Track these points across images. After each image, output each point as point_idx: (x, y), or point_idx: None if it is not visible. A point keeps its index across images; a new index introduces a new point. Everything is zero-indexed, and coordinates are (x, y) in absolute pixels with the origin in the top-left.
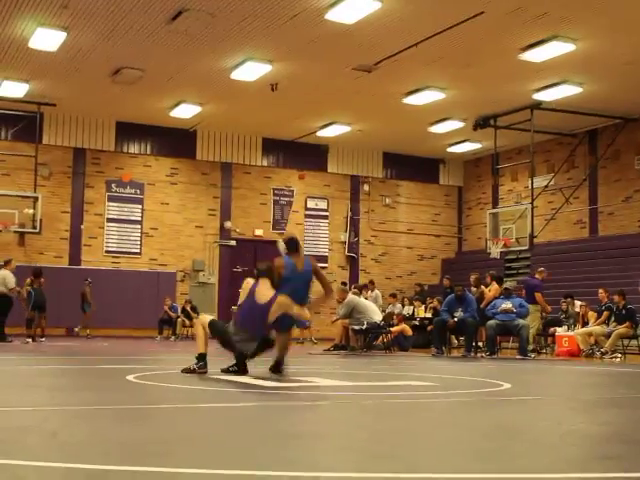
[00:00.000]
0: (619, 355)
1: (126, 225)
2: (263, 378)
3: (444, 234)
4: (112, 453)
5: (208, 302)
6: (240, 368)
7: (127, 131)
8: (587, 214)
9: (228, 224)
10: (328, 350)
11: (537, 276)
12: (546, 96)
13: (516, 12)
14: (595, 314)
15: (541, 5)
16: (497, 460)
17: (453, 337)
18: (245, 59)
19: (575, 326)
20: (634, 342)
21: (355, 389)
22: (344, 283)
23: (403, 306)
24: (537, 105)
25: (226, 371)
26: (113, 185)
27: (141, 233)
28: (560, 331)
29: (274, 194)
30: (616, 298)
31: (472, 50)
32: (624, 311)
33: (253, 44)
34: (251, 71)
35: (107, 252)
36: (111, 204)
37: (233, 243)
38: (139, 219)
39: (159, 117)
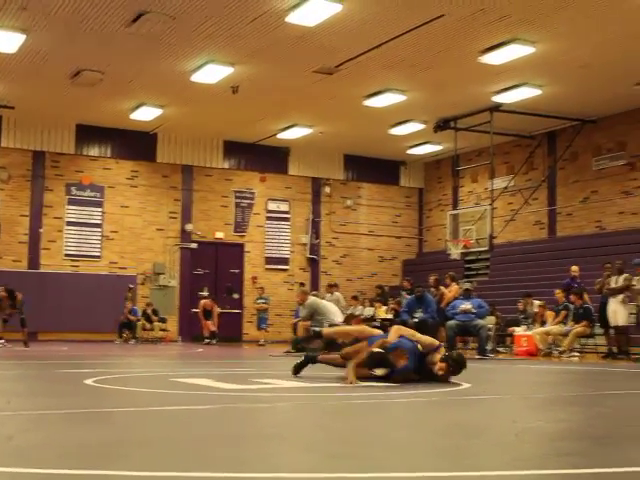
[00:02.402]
0: (577, 354)
1: (86, 228)
2: (231, 382)
3: (405, 235)
4: (67, 457)
5: (169, 305)
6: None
7: (87, 134)
8: (546, 215)
9: (189, 227)
10: (289, 352)
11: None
12: (505, 98)
13: (476, 15)
14: (553, 314)
15: (500, 8)
16: (453, 458)
17: None
18: (206, 62)
19: (533, 326)
20: (591, 341)
21: (315, 390)
22: (302, 284)
23: (364, 307)
24: (497, 107)
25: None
26: (73, 188)
27: (101, 236)
28: (519, 331)
29: (235, 196)
30: (572, 298)
31: (432, 53)
32: (581, 310)
33: (214, 47)
34: (212, 74)
35: (66, 256)
36: (71, 207)
37: (194, 246)
38: (99, 222)
39: (119, 120)
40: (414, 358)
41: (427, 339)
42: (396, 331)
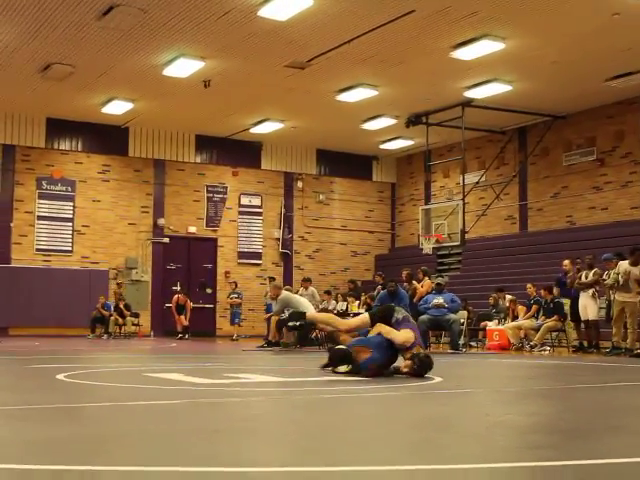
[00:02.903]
0: (548, 348)
1: (57, 223)
2: (204, 376)
3: (377, 230)
4: (36, 452)
5: (141, 300)
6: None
7: (58, 128)
8: (517, 210)
9: (161, 221)
10: (261, 347)
11: None
12: (477, 94)
13: (446, 11)
14: (525, 308)
15: (471, 4)
16: (425, 452)
17: None
18: (178, 55)
19: (505, 320)
20: (562, 335)
21: (287, 385)
22: (272, 278)
23: (337, 302)
24: (468, 103)
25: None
26: (44, 182)
27: (72, 231)
28: (491, 325)
29: (207, 191)
30: (542, 293)
31: (404, 48)
32: (552, 305)
33: (185, 40)
34: (184, 67)
35: (38, 250)
36: (42, 202)
37: (166, 240)
38: (70, 217)
39: (90, 113)
40: (384, 352)
41: (400, 338)
42: (377, 328)
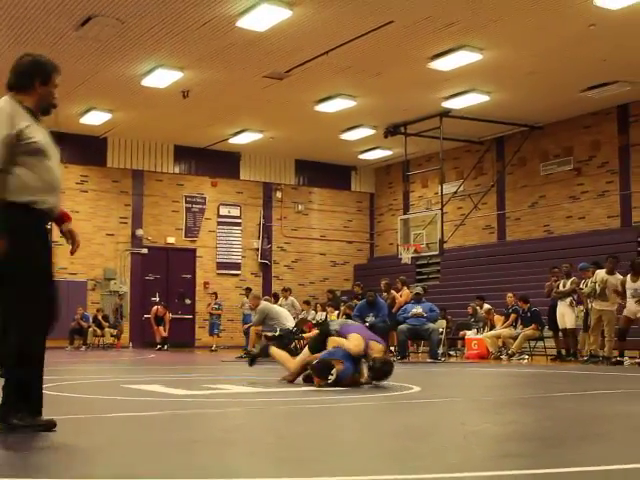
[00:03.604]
0: (526, 357)
1: None
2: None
3: (356, 240)
4: (12, 465)
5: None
6: None
7: None
8: (495, 219)
9: (140, 232)
10: (240, 357)
11: None
12: (455, 104)
13: (424, 22)
14: (502, 318)
15: (449, 15)
16: (401, 461)
17: None
18: (156, 66)
19: (484, 329)
20: (540, 344)
21: (266, 395)
22: (248, 289)
23: (316, 312)
24: (446, 113)
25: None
26: None
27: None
28: (469, 334)
29: (186, 201)
30: (520, 303)
31: (382, 58)
32: (529, 314)
33: (164, 51)
34: (162, 78)
35: None
36: None
37: (145, 251)
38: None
39: (68, 124)
40: (352, 361)
41: (352, 347)
42: (331, 342)
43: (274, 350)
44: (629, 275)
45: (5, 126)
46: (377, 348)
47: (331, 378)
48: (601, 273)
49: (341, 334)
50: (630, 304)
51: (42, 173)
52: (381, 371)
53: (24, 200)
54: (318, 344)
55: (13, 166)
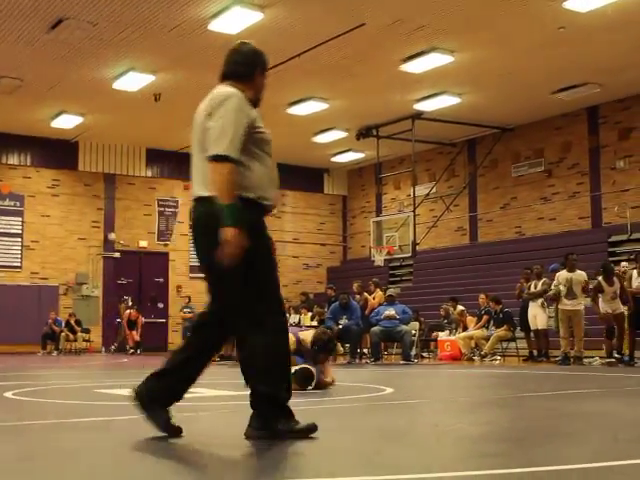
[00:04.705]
0: (498, 357)
1: (5, 238)
2: None
3: (329, 243)
4: None
5: (92, 315)
6: None
7: (6, 142)
8: (467, 221)
9: (112, 236)
10: (215, 361)
11: None
12: (426, 106)
13: (396, 24)
14: (475, 319)
15: (419, 18)
16: (373, 462)
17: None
18: (127, 69)
19: (457, 331)
20: (512, 344)
21: (240, 398)
22: None
23: (289, 315)
24: (418, 115)
25: None
26: None
27: (21, 246)
28: (442, 336)
29: (159, 205)
30: (492, 304)
31: (353, 61)
32: (501, 315)
33: (135, 54)
34: (134, 81)
35: None
36: None
37: (117, 255)
38: (19, 232)
39: (39, 127)
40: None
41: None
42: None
43: None
44: (600, 278)
45: (244, 114)
46: (305, 334)
47: (309, 388)
48: (563, 273)
49: None
50: (605, 302)
51: (269, 166)
52: (327, 347)
53: (254, 195)
54: None
55: (246, 157)
